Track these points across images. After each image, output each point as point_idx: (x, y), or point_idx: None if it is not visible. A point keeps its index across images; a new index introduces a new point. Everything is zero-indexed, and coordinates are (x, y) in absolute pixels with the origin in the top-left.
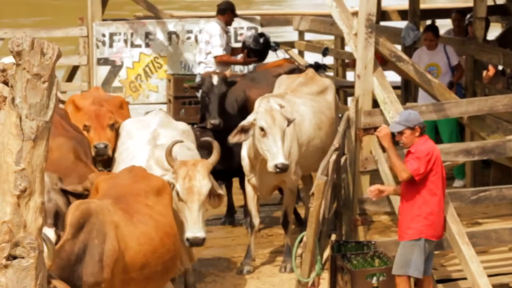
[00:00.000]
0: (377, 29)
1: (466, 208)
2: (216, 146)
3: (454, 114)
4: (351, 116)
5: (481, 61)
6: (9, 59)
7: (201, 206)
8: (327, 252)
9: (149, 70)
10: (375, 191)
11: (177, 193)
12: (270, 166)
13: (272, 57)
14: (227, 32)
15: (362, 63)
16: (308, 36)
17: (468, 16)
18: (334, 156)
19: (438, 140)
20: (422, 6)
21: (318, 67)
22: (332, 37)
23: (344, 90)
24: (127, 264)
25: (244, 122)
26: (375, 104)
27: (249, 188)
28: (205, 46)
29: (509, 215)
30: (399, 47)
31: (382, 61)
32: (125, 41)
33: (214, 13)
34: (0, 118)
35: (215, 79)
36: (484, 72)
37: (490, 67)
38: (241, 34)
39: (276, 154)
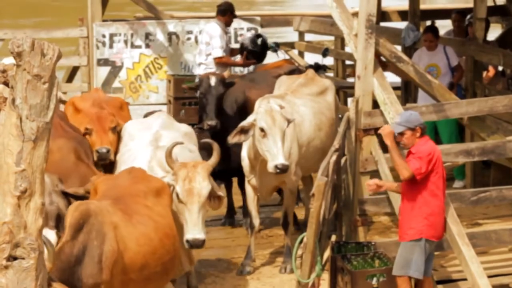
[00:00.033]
0: (377, 30)
1: (466, 208)
2: (216, 147)
3: (454, 114)
4: (351, 117)
5: (481, 62)
6: (10, 60)
7: (201, 208)
8: (327, 253)
9: (149, 70)
10: (373, 186)
11: (177, 195)
12: (270, 167)
13: (271, 58)
14: (226, 33)
15: (362, 64)
16: (308, 37)
17: (468, 16)
18: (334, 157)
19: (437, 141)
20: (422, 6)
21: (318, 68)
22: (332, 38)
23: (344, 91)
24: (126, 265)
25: (244, 123)
26: (375, 105)
27: (249, 189)
28: (205, 47)
29: (509, 215)
30: (399, 47)
31: (382, 65)
32: (125, 41)
33: (214, 13)
34: (0, 119)
35: (213, 80)
36: (484, 73)
37: (490, 68)
38: (241, 35)
39: (276, 154)
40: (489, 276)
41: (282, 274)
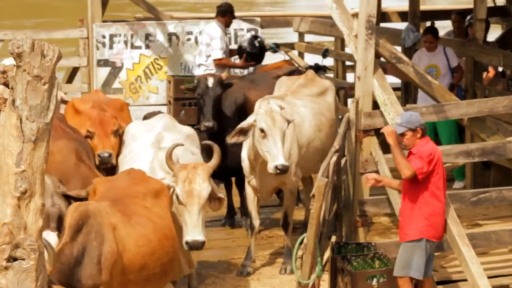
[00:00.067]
0: (377, 31)
1: (466, 209)
2: (216, 149)
3: (454, 115)
4: (351, 118)
5: (481, 63)
6: (10, 61)
7: (201, 209)
8: (327, 254)
9: (149, 71)
10: (372, 181)
11: (177, 197)
12: (270, 168)
13: (271, 58)
14: (226, 34)
15: (362, 65)
16: (308, 38)
17: (468, 17)
18: (334, 158)
19: (437, 142)
20: (422, 7)
21: (318, 69)
22: (332, 39)
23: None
24: (126, 266)
25: (243, 124)
26: (375, 105)
27: (249, 190)
28: (206, 49)
29: (509, 216)
30: (399, 48)
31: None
32: (125, 42)
33: (214, 14)
34: (0, 120)
35: (210, 81)
36: (484, 74)
37: (490, 69)
38: (241, 36)
39: (276, 155)
40: (489, 277)
41: (282, 275)
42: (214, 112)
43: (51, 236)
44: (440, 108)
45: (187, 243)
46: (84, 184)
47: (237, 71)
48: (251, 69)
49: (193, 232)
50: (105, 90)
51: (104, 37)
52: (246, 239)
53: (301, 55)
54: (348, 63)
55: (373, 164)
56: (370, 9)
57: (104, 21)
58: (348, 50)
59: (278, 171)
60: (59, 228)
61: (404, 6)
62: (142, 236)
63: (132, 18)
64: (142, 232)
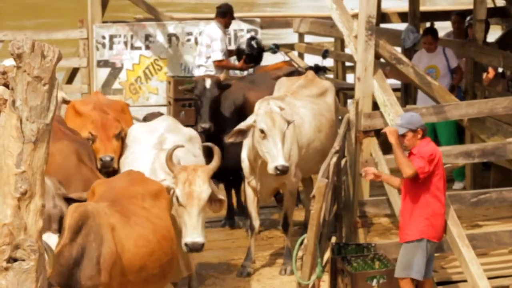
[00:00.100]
0: (377, 31)
1: (466, 210)
2: (217, 151)
3: (454, 116)
4: (351, 119)
5: (481, 64)
6: (10, 62)
7: (200, 211)
8: (327, 255)
9: (149, 72)
10: (371, 175)
11: (177, 198)
12: (270, 168)
13: (271, 59)
14: (226, 35)
15: (362, 66)
16: (308, 38)
17: (468, 18)
18: (334, 159)
19: (436, 143)
20: (422, 8)
21: (318, 69)
22: (332, 39)
23: (344, 93)
24: (125, 266)
25: (242, 125)
26: (375, 106)
27: (249, 191)
28: (206, 50)
29: (509, 217)
30: (399, 49)
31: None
32: (125, 43)
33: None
34: (0, 120)
35: (208, 83)
36: (484, 75)
37: (490, 70)
38: (241, 36)
39: (276, 156)
40: (489, 278)
41: (282, 276)
42: (211, 114)
43: (52, 238)
44: (440, 109)
45: (186, 244)
46: (86, 186)
47: (237, 72)
48: (250, 70)
49: (193, 234)
50: (105, 91)
51: (104, 37)
52: (246, 240)
53: (301, 55)
54: (348, 63)
55: (373, 165)
56: (370, 10)
57: (104, 22)
58: (348, 51)
59: (278, 172)
60: (60, 230)
61: (404, 6)
62: (141, 237)
63: (132, 19)
64: (141, 233)
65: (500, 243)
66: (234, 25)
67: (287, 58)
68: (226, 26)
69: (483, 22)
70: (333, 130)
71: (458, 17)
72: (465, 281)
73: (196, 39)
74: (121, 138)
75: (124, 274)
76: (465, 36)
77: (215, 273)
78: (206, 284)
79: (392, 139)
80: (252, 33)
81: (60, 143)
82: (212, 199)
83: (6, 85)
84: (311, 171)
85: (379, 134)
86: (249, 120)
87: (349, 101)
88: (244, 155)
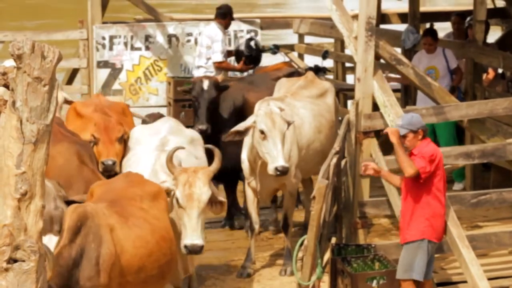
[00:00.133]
0: (377, 32)
1: (466, 211)
2: (217, 153)
3: (454, 117)
4: (351, 119)
5: (481, 64)
6: (11, 63)
7: (200, 213)
8: (327, 255)
9: (149, 73)
10: (370, 170)
11: (177, 200)
12: (270, 169)
13: (271, 60)
14: (226, 36)
15: (362, 66)
16: (308, 39)
17: (468, 19)
18: (334, 160)
19: (436, 144)
20: (422, 9)
21: (318, 70)
22: (332, 40)
23: (344, 93)
24: (124, 267)
25: (241, 127)
26: (375, 107)
27: (249, 191)
28: (206, 51)
29: (509, 218)
30: (399, 50)
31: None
32: (125, 44)
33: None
34: (0, 121)
35: (206, 84)
36: (484, 75)
37: (490, 70)
38: (241, 37)
39: (276, 157)
40: (489, 279)
41: (282, 277)
42: (209, 115)
43: (53, 240)
44: (440, 110)
45: (186, 246)
46: (88, 187)
47: (237, 73)
48: (250, 71)
49: (192, 236)
50: (105, 92)
51: (104, 38)
52: (246, 241)
53: (301, 56)
54: (348, 64)
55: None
56: (370, 11)
57: (104, 23)
58: (348, 51)
59: (278, 173)
60: None
61: (404, 7)
62: (139, 238)
63: (132, 20)
64: (139, 234)
65: (500, 244)
66: (234, 25)
67: (287, 59)
68: (225, 27)
69: (483, 23)
70: (333, 131)
71: (458, 18)
72: (465, 282)
73: (196, 40)
74: (124, 141)
75: (123, 275)
76: (465, 37)
77: (215, 274)
78: (206, 285)
79: (393, 139)
80: (252, 34)
81: (61, 145)
82: (213, 201)
83: (6, 86)
84: (311, 172)
85: (379, 135)
86: (249, 121)
87: (349, 102)
88: (244, 155)
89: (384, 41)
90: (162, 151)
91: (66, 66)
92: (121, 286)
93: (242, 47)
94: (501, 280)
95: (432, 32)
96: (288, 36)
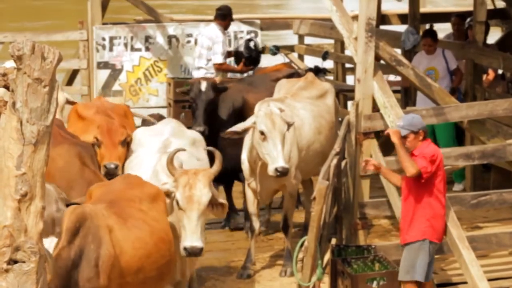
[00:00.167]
0: (377, 33)
1: (467, 212)
2: (218, 155)
3: (454, 118)
4: (351, 120)
5: (481, 65)
6: (11, 64)
7: (200, 215)
8: (327, 256)
9: (149, 73)
10: (371, 166)
11: (177, 202)
12: (271, 170)
13: (271, 61)
14: (226, 37)
15: (362, 67)
16: (308, 40)
17: (468, 20)
18: (335, 161)
19: (435, 145)
20: (422, 10)
21: (318, 71)
22: (332, 41)
23: (344, 94)
24: (123, 268)
25: (240, 126)
26: (375, 108)
27: (249, 192)
28: (207, 52)
29: (509, 219)
30: (399, 51)
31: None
32: (125, 44)
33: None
34: (0, 122)
35: (203, 85)
36: (484, 76)
37: (490, 71)
38: (241, 38)
39: (276, 157)
40: (489, 280)
41: (282, 278)
42: (206, 117)
43: (55, 242)
44: (440, 111)
45: (185, 249)
46: None
47: (237, 74)
48: (250, 72)
49: (192, 238)
50: (105, 93)
51: (104, 39)
52: (246, 242)
53: (301, 57)
54: (348, 65)
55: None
56: (370, 12)
57: (104, 24)
58: (348, 52)
59: (278, 174)
60: None
61: (404, 8)
62: (138, 239)
63: (132, 21)
64: (138, 235)
65: (500, 244)
66: (234, 26)
67: (287, 60)
68: (225, 28)
69: (483, 23)
70: (333, 132)
71: (458, 18)
72: (465, 283)
73: (196, 41)
74: (127, 143)
75: (122, 276)
76: (465, 38)
77: (215, 275)
78: (206, 286)
79: (394, 139)
80: (252, 35)
81: (61, 147)
82: (214, 204)
83: (6, 87)
84: (311, 173)
85: (379, 136)
86: (248, 122)
87: (349, 103)
88: (244, 156)
89: (384, 42)
90: (164, 153)
91: (66, 67)
92: (120, 287)
93: (241, 49)
94: (501, 281)
95: (431, 33)
96: (288, 37)
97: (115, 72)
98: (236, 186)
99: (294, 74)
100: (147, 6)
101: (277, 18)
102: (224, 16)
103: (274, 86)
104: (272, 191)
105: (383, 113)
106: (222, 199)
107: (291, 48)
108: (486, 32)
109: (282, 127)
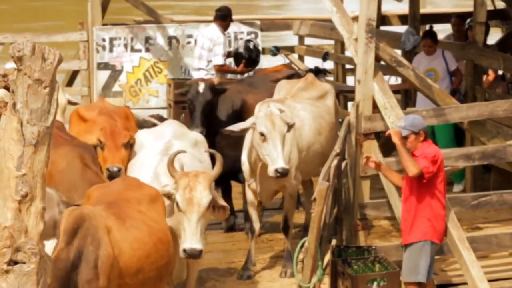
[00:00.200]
0: (377, 34)
1: (467, 213)
2: (219, 158)
3: (455, 119)
4: (351, 121)
5: (481, 66)
6: (11, 64)
7: (200, 217)
8: (327, 257)
9: (149, 74)
10: (372, 163)
11: (177, 204)
12: (271, 171)
13: (271, 62)
14: (226, 38)
15: (363, 68)
16: (308, 41)
17: (468, 20)
18: (335, 161)
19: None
20: (422, 10)
21: (318, 72)
22: (332, 42)
23: (344, 95)
24: (122, 269)
25: (239, 127)
26: (375, 108)
27: (249, 193)
28: (207, 54)
29: (509, 220)
30: (399, 51)
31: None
32: (125, 45)
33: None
34: (1, 123)
35: (201, 87)
36: (484, 77)
37: (490, 72)
38: (241, 39)
39: (276, 158)
40: (490, 280)
41: (282, 278)
42: (203, 118)
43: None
44: (440, 112)
45: (184, 250)
46: None
47: (237, 75)
48: (250, 72)
49: (191, 240)
50: (105, 93)
51: (104, 40)
52: (246, 242)
53: (301, 58)
54: (348, 66)
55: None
56: (370, 13)
57: (104, 24)
58: (348, 53)
59: (278, 174)
60: None
61: (404, 9)
62: (137, 239)
63: (132, 22)
64: (137, 235)
65: (500, 245)
66: (234, 27)
67: (287, 61)
68: (225, 29)
69: (483, 24)
70: (333, 132)
71: (458, 19)
72: (465, 283)
73: (196, 42)
74: (130, 145)
75: (121, 276)
76: (465, 39)
77: (215, 276)
78: (206, 286)
79: (396, 139)
80: (252, 36)
81: (62, 148)
82: (215, 206)
83: (6, 88)
84: (311, 174)
85: (380, 137)
86: (248, 122)
87: (349, 103)
88: (244, 157)
89: (384, 43)
90: (165, 155)
91: (66, 68)
92: (120, 287)
93: (241, 49)
94: (501, 282)
95: (431, 34)
96: (288, 38)
97: (115, 73)
98: (236, 187)
99: (294, 75)
100: (147, 7)
101: (277, 19)
102: (224, 17)
103: (274, 87)
104: (272, 192)
105: (383, 114)
106: (223, 202)
107: (291, 49)
108: (486, 33)
109: (282, 128)
